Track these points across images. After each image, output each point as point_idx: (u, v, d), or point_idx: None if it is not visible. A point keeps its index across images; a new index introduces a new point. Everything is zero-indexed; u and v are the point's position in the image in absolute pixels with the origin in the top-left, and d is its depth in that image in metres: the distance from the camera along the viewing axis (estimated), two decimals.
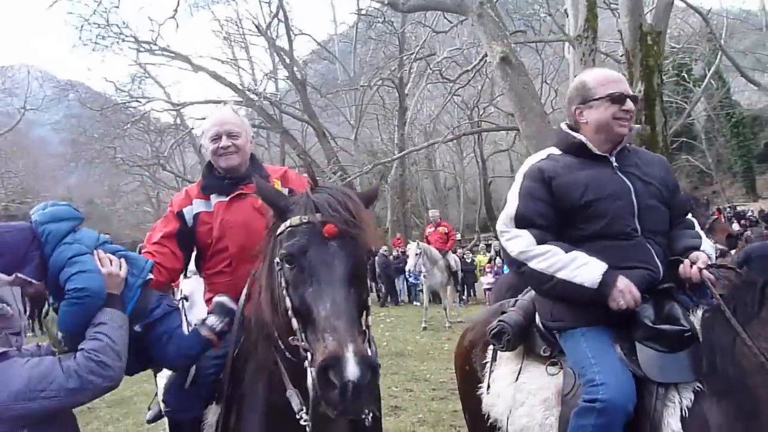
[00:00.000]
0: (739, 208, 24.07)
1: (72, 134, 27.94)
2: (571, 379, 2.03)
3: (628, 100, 2.16)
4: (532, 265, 2.04)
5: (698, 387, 1.79)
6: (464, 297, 15.10)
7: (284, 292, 1.55)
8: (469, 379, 2.52)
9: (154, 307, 2.12)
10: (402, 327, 11.12)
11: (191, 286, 3.18)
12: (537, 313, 2.25)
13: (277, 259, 1.59)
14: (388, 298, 16.07)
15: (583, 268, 1.98)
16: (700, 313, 1.92)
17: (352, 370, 1.30)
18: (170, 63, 24.43)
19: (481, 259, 16.17)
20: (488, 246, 18.94)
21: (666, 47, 13.05)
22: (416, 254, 11.02)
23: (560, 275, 1.99)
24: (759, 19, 24.09)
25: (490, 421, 2.31)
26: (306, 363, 1.44)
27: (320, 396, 1.35)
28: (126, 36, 21.70)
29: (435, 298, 14.20)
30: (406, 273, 12.14)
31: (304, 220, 1.57)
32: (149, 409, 4.48)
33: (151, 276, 2.15)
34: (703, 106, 27.02)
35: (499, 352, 2.34)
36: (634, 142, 2.40)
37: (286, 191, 2.38)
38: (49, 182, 36.56)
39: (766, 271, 3.03)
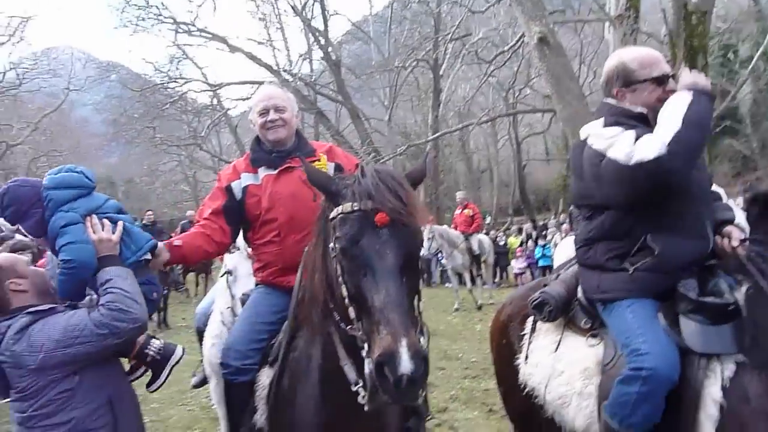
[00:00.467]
0: None
1: (113, 114, 28.60)
2: (611, 350, 2.08)
3: (671, 80, 2.18)
4: (667, 138, 1.93)
5: (740, 359, 1.82)
6: (496, 279, 15.10)
7: (340, 279, 1.60)
8: (506, 352, 2.59)
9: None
10: (434, 307, 11.21)
11: (234, 260, 3.31)
12: (580, 287, 2.29)
13: (332, 245, 1.64)
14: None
15: (674, 102, 2.01)
16: (744, 288, 1.94)
17: (406, 365, 1.35)
18: (207, 44, 24.74)
19: (513, 241, 16.07)
20: (519, 230, 18.79)
21: (711, 27, 12.65)
22: (428, 238, 11.02)
23: (680, 117, 1.95)
24: None
25: (526, 390, 2.38)
26: (363, 352, 1.50)
27: (377, 387, 1.42)
28: (165, 17, 22.06)
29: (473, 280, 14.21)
30: (439, 255, 12.19)
31: (356, 208, 1.59)
32: (193, 375, 4.72)
33: (148, 256, 2.24)
34: (749, 89, 26.07)
35: (538, 324, 2.40)
36: None
37: (332, 166, 2.48)
38: (91, 161, 37.61)
39: None
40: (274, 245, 2.44)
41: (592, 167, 2.12)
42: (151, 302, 2.30)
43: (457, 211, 12.08)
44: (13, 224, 2.23)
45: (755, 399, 1.75)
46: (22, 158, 32.07)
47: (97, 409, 1.97)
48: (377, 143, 24.88)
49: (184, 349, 2.39)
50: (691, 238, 2.06)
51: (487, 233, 15.80)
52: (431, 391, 5.74)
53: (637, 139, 2.00)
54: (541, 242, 14.43)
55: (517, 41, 18.12)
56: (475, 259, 11.39)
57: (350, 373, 1.75)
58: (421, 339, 1.53)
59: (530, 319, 2.46)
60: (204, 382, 4.36)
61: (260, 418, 2.15)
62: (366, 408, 1.65)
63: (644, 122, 2.17)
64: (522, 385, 2.41)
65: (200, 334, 4.17)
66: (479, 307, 10.93)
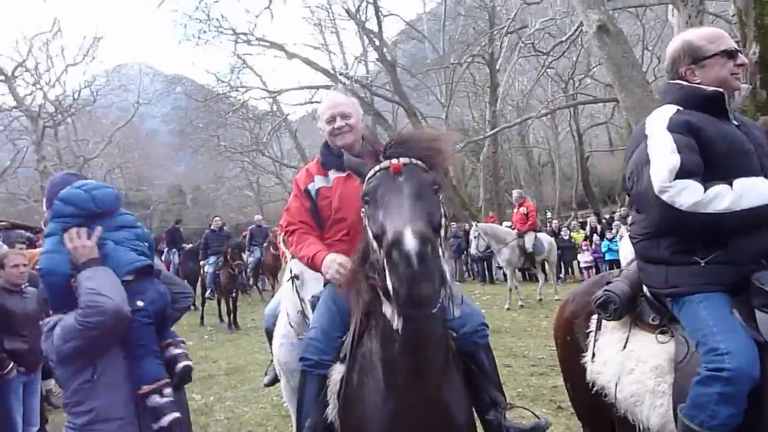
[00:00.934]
0: None
1: (179, 125, 29.90)
2: (684, 347, 2.02)
3: (740, 54, 2.13)
4: (711, 209, 1.91)
5: None
6: (561, 275, 14.77)
7: (366, 228, 1.79)
8: (571, 350, 2.55)
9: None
10: (498, 304, 11.10)
11: (301, 265, 3.40)
12: (645, 283, 2.24)
13: (362, 210, 1.86)
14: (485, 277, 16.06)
15: (758, 188, 1.93)
16: None
17: (409, 242, 1.42)
18: (266, 52, 25.41)
19: (577, 236, 15.66)
20: (582, 224, 18.27)
21: None
22: (474, 237, 11.33)
23: (746, 205, 1.90)
24: None
25: (595, 389, 2.34)
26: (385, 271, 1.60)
27: (390, 277, 1.51)
28: (225, 29, 22.83)
29: (531, 277, 14.00)
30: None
31: (376, 169, 1.83)
32: (265, 374, 4.89)
33: (128, 277, 2.29)
34: None
35: (603, 321, 2.35)
36: (746, 108, 2.31)
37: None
38: (160, 170, 39.46)
39: None
40: (344, 244, 2.54)
41: (638, 165, 2.09)
42: (177, 308, 2.55)
43: (515, 210, 11.97)
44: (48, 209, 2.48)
45: None
46: (98, 171, 33.96)
47: (118, 402, 2.16)
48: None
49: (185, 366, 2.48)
50: (760, 230, 1.98)
51: (553, 229, 15.56)
52: None
53: (683, 169, 1.95)
54: (608, 235, 13.99)
55: (575, 30, 17.66)
56: (528, 257, 11.23)
57: (387, 309, 1.87)
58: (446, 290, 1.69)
59: (595, 317, 2.41)
60: (275, 380, 4.53)
61: (332, 412, 2.23)
62: (399, 331, 1.77)
63: (718, 104, 2.11)
64: (590, 384, 2.37)
65: (269, 334, 4.33)
66: (521, 305, 10.84)
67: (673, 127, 2.05)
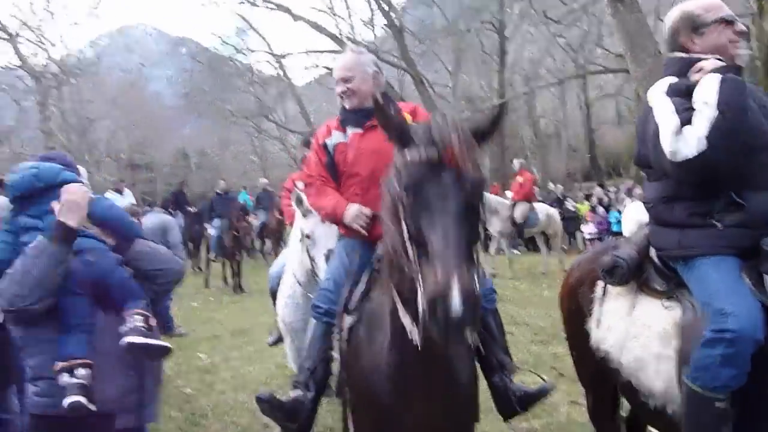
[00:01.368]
0: None
1: (184, 88, 29.60)
2: (690, 313, 2.05)
3: (738, 22, 2.17)
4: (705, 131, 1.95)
5: None
6: (564, 246, 14.81)
7: (403, 221, 1.65)
8: (576, 316, 2.59)
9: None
10: (501, 275, 11.17)
11: (311, 224, 3.42)
12: (653, 247, 2.25)
13: (397, 188, 1.69)
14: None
15: (702, 91, 2.00)
16: None
17: (455, 303, 1.39)
18: (271, 14, 25.03)
19: (582, 208, 15.65)
20: (588, 196, 18.23)
21: None
22: None
23: (708, 108, 1.96)
24: None
25: (599, 354, 2.38)
26: (419, 290, 1.53)
27: (428, 323, 1.46)
28: None
29: (535, 247, 14.04)
30: None
31: (422, 154, 1.64)
32: (270, 335, 4.97)
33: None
34: None
35: (609, 287, 2.37)
36: (755, 80, 2.30)
37: None
38: (165, 134, 39.28)
39: None
40: (357, 198, 2.59)
41: (655, 137, 2.09)
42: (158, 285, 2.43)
43: (514, 180, 11.88)
44: None
45: None
46: (103, 133, 33.85)
47: (46, 364, 2.16)
48: (441, 109, 24.59)
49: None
50: None
51: (559, 197, 15.51)
52: None
53: (682, 125, 1.98)
54: (618, 207, 13.98)
55: None
56: (517, 227, 11.16)
57: (406, 321, 1.80)
58: (475, 277, 1.54)
59: (600, 283, 2.43)
60: (279, 340, 4.61)
61: (336, 360, 2.31)
62: (418, 347, 1.72)
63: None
64: (594, 349, 2.41)
65: (273, 294, 4.39)
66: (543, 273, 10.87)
67: (671, 92, 2.10)
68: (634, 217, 8.28)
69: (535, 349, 5.97)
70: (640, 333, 2.20)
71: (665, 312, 2.15)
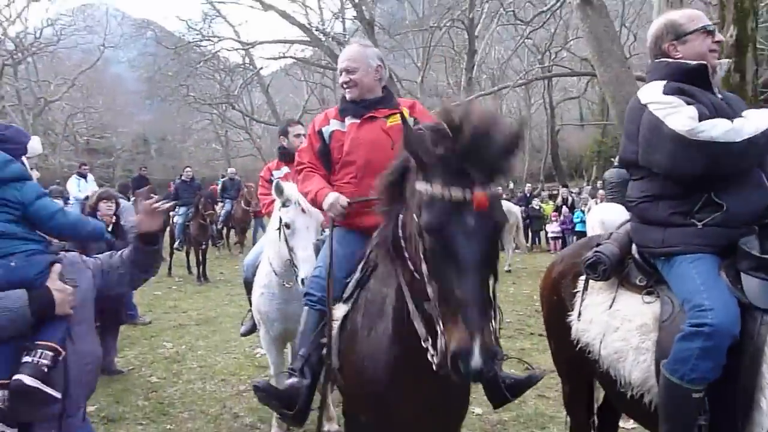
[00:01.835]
0: None
1: (147, 72, 28.84)
2: (669, 307, 2.13)
3: (717, 32, 2.28)
4: (745, 134, 2.03)
5: None
6: (528, 245, 15.11)
7: (422, 255, 1.59)
8: (558, 309, 2.65)
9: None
10: None
11: (291, 215, 3.40)
12: (635, 244, 2.33)
13: (416, 220, 1.61)
14: None
15: (758, 118, 2.07)
16: None
17: (477, 363, 1.41)
18: (240, 1, 24.57)
19: (547, 207, 16.02)
20: (552, 196, 18.65)
21: None
22: None
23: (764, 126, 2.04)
24: None
25: (579, 346, 2.45)
26: (438, 327, 1.54)
27: (447, 369, 1.49)
28: None
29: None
30: None
31: (447, 195, 1.50)
32: (242, 324, 4.92)
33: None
34: None
35: (591, 282, 2.44)
36: (721, 89, 2.42)
37: (413, 121, 2.57)
38: (125, 118, 38.22)
39: None
40: (351, 186, 2.62)
41: (650, 132, 2.16)
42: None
43: None
44: None
45: None
46: (59, 114, 32.72)
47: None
48: (407, 99, 24.57)
49: None
50: (755, 190, 2.09)
51: (525, 195, 15.79)
52: None
53: (701, 116, 2.05)
54: (579, 208, 14.36)
55: (557, 1, 17.63)
56: None
57: (420, 328, 1.79)
58: (494, 324, 1.55)
59: (582, 277, 2.50)
60: (252, 330, 4.57)
61: (332, 349, 2.30)
62: (435, 369, 1.67)
63: (704, 78, 2.21)
64: (574, 341, 2.47)
65: (248, 285, 4.34)
66: (508, 271, 11.01)
67: (669, 92, 2.18)
68: (598, 217, 8.52)
69: (502, 344, 6.03)
70: (620, 326, 2.27)
71: (645, 306, 2.23)
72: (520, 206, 14.29)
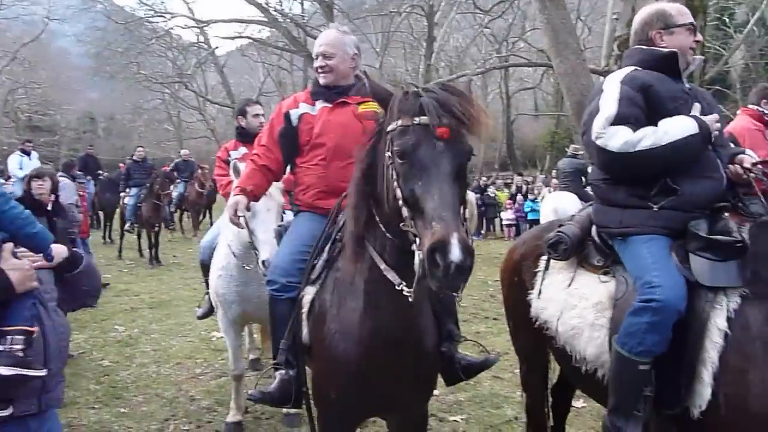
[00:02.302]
0: None
1: (95, 48, 27.64)
2: (623, 286, 2.22)
3: (697, 32, 2.41)
4: (640, 147, 2.13)
5: (744, 292, 1.97)
6: (482, 231, 15.38)
7: (395, 183, 1.70)
8: (518, 289, 2.73)
9: None
10: None
11: None
12: (596, 225, 2.41)
13: (388, 154, 1.74)
14: None
15: (680, 124, 2.15)
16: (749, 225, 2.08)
17: (455, 253, 1.47)
18: None
19: (501, 195, 16.34)
20: (507, 184, 19.01)
21: None
22: None
23: (667, 140, 2.12)
24: None
25: (537, 323, 2.53)
26: (414, 246, 1.61)
27: (427, 273, 1.53)
28: None
29: None
30: None
31: (416, 122, 1.68)
32: (198, 307, 4.84)
33: None
34: (742, 54, 26.10)
35: (551, 262, 2.52)
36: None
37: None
38: (71, 95, 36.61)
39: None
40: (319, 168, 2.63)
41: (588, 117, 2.30)
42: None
43: None
44: None
45: (755, 327, 1.91)
46: (0, 89, 31.11)
47: None
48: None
49: None
50: (709, 178, 2.20)
51: (480, 186, 16.06)
52: None
53: (617, 117, 2.18)
54: (530, 196, 14.69)
55: None
56: None
57: (393, 276, 1.86)
58: (469, 237, 1.65)
59: (543, 258, 2.58)
60: (209, 313, 4.50)
61: (305, 333, 2.29)
62: (410, 298, 1.79)
63: (672, 64, 2.31)
64: (533, 319, 2.56)
65: (205, 267, 4.27)
66: None
67: (626, 81, 2.28)
68: (551, 205, 8.76)
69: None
70: (577, 304, 2.36)
71: (601, 285, 2.33)
72: (475, 194, 14.49)
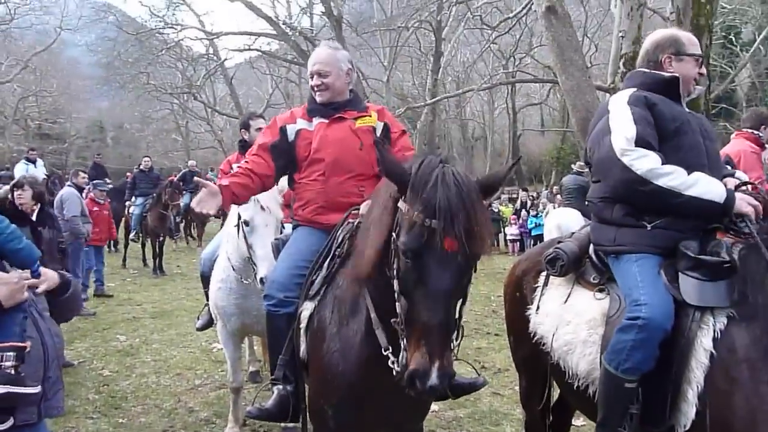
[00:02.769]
0: None
1: (105, 57, 27.93)
2: (616, 304, 2.24)
3: (702, 65, 2.47)
4: (662, 182, 2.11)
5: (731, 313, 1.97)
6: None
7: (396, 274, 1.67)
8: (519, 303, 2.74)
9: None
10: None
11: (250, 211, 3.36)
12: (593, 243, 2.43)
13: (394, 235, 1.70)
14: None
15: (711, 186, 2.13)
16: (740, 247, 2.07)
17: (433, 380, 1.53)
18: None
19: (506, 210, 16.30)
20: (512, 199, 18.98)
21: (717, 6, 12.59)
22: None
23: (690, 192, 2.10)
24: None
25: (535, 338, 2.54)
26: (401, 342, 1.67)
27: (404, 383, 1.61)
28: None
29: None
30: None
31: (426, 224, 1.56)
32: (198, 318, 4.85)
33: None
34: (748, 73, 26.12)
35: (550, 277, 2.54)
36: None
37: (381, 125, 2.70)
38: (80, 104, 36.98)
39: None
40: (318, 183, 2.61)
41: (597, 135, 2.32)
42: None
43: None
44: None
45: (741, 348, 1.91)
46: (10, 96, 31.46)
47: None
48: (374, 104, 24.62)
49: None
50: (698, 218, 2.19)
51: None
52: None
53: (639, 139, 2.17)
54: (533, 212, 14.67)
55: (523, 8, 17.94)
56: None
57: (381, 338, 1.89)
58: (454, 343, 1.69)
59: (543, 274, 2.60)
60: (208, 325, 4.51)
61: (303, 348, 2.30)
62: (394, 371, 1.80)
63: (674, 88, 2.35)
64: (531, 334, 2.57)
65: (205, 279, 4.29)
66: None
67: (633, 102, 2.30)
68: (555, 221, 8.75)
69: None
70: (572, 320, 2.37)
71: (596, 302, 2.34)
72: None
